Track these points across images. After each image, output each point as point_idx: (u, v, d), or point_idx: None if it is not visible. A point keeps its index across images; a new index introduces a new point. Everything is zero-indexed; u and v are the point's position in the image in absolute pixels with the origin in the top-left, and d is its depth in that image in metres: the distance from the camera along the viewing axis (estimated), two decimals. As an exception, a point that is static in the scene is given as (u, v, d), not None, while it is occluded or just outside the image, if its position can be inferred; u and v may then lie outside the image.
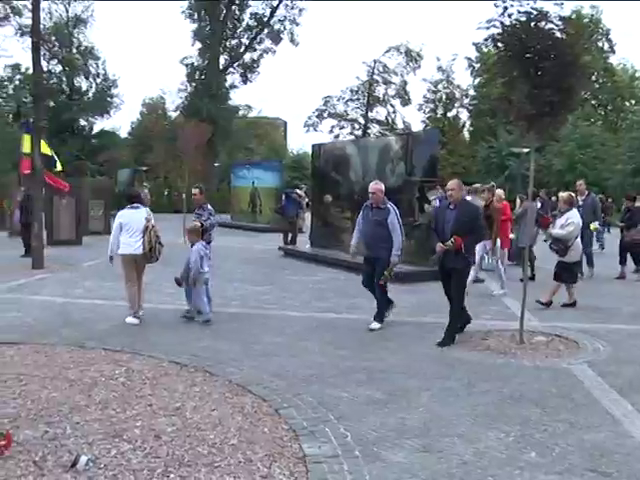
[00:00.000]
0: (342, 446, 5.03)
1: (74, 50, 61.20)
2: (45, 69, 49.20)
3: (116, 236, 9.76)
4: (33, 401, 6.01)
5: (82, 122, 63.07)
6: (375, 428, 5.41)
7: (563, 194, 11.74)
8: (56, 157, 17.65)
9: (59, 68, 60.95)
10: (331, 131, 66.60)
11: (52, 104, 55.83)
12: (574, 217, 10.91)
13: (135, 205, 9.97)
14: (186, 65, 50.91)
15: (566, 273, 10.92)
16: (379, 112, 67.06)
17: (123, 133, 68.90)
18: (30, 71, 52.34)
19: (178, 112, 55.36)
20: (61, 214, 21.93)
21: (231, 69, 51.97)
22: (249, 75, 52.44)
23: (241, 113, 60.66)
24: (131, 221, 9.71)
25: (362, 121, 66.47)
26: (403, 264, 14.18)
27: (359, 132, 64.92)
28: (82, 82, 63.08)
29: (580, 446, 5.09)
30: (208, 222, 10.25)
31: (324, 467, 4.64)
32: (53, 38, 56.43)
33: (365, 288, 9.72)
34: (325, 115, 66.68)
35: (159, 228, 9.80)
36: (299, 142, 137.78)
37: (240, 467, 4.63)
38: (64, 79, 61.90)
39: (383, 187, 9.61)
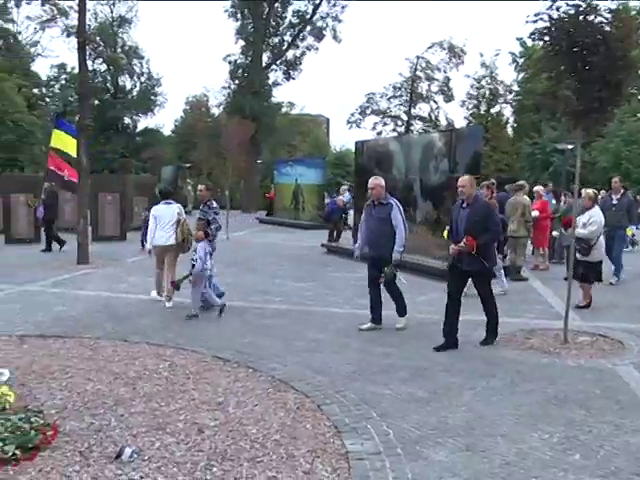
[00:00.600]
0: (384, 443, 5.03)
1: (118, 49, 62.16)
2: (90, 68, 49.98)
3: (152, 229, 10.78)
4: (79, 393, 6.13)
5: (126, 120, 64.09)
6: (417, 426, 5.40)
7: (588, 191, 11.34)
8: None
9: (104, 67, 61.98)
10: (374, 128, 66.24)
11: (97, 102, 56.79)
12: (597, 215, 10.62)
13: (168, 201, 11.01)
14: (229, 63, 51.08)
15: (591, 273, 10.60)
16: (422, 108, 66.54)
17: (167, 131, 69.74)
18: (75, 70, 53.33)
19: (221, 109, 55.70)
20: (106, 210, 22.24)
21: (274, 66, 51.97)
22: (292, 72, 52.39)
23: (284, 110, 60.74)
24: (164, 215, 10.76)
25: (405, 118, 66.08)
26: (444, 261, 14.18)
27: (402, 129, 64.58)
28: (126, 81, 64.12)
29: (626, 449, 5.00)
30: (214, 226, 10.43)
31: (366, 464, 4.64)
32: (98, 38, 57.34)
33: (370, 291, 9.34)
34: (368, 112, 66.35)
35: (189, 222, 10.71)
36: (342, 139, 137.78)
37: (282, 462, 4.66)
38: (109, 78, 62.95)
39: (383, 182, 9.26)
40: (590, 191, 11.24)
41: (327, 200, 27.60)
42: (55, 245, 18.59)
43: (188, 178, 44.12)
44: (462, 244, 7.91)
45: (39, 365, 7.04)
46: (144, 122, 64.42)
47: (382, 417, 5.60)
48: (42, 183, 19.48)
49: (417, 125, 65.70)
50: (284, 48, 51.48)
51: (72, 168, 17.28)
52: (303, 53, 52.51)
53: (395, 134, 59.02)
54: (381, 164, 18.02)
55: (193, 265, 9.76)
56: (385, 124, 66.44)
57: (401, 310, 9.24)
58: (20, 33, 60.04)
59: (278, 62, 51.80)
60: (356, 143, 20.42)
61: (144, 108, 63.57)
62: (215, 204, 10.70)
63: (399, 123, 66.39)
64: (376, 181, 9.19)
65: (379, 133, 63.76)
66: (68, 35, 52.94)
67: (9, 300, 10.98)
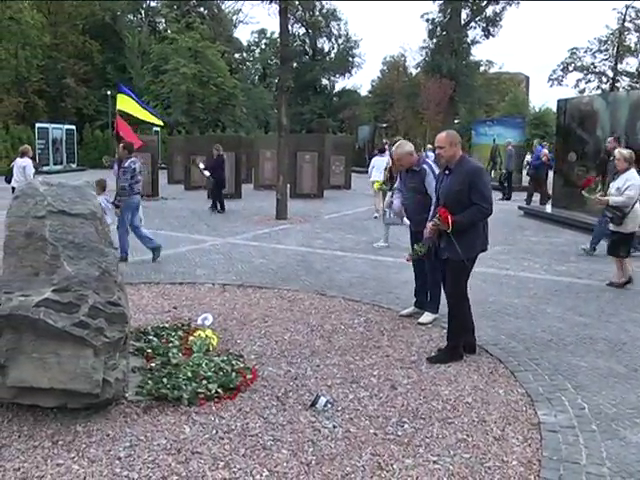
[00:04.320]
0: (578, 418, 4.81)
1: (317, 13, 63.33)
2: (290, 32, 51.53)
3: (370, 170, 17.13)
4: (277, 342, 6.40)
5: (324, 81, 65.70)
6: (614, 403, 5.10)
7: (622, 150, 9.70)
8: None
9: (302, 31, 63.50)
10: (576, 85, 63.01)
11: (296, 65, 58.51)
12: (634, 179, 9.16)
13: (382, 154, 17.00)
14: (427, 21, 50.48)
15: (623, 246, 9.25)
16: (630, 63, 62.27)
17: (363, 91, 70.49)
18: (275, 35, 54.89)
19: (419, 69, 55.30)
20: (304, 169, 22.89)
21: (473, 24, 50.72)
22: (491, 29, 50.88)
23: (482, 69, 59.31)
24: (378, 163, 16.70)
25: (611, 74, 62.15)
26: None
27: (607, 86, 60.80)
28: (325, 43, 65.41)
29: None
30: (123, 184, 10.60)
31: (559, 437, 4.47)
32: (297, 2, 58.69)
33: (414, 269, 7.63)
34: (570, 68, 63.11)
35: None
36: (542, 98, 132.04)
37: (473, 426, 4.61)
38: (307, 41, 64.48)
39: (409, 147, 7.38)
40: (625, 151, 9.60)
41: (528, 157, 27.01)
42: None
43: (384, 138, 44.29)
44: (435, 219, 6.03)
45: (240, 313, 7.43)
46: (341, 83, 66.09)
47: (577, 390, 5.36)
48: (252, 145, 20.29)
49: (624, 82, 61.54)
50: (484, 4, 49.98)
51: (133, 133, 18.27)
52: (503, 8, 50.78)
53: (599, 91, 55.62)
54: (584, 124, 17.19)
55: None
56: (589, 81, 62.94)
57: (433, 303, 7.40)
58: (223, 2, 62.87)
59: (477, 19, 50.38)
60: (558, 101, 19.50)
61: (342, 69, 64.63)
62: (129, 163, 10.70)
63: (604, 80, 62.51)
64: (399, 150, 7.33)
65: (582, 91, 60.53)
66: (270, 2, 54.57)
67: (213, 251, 11.64)
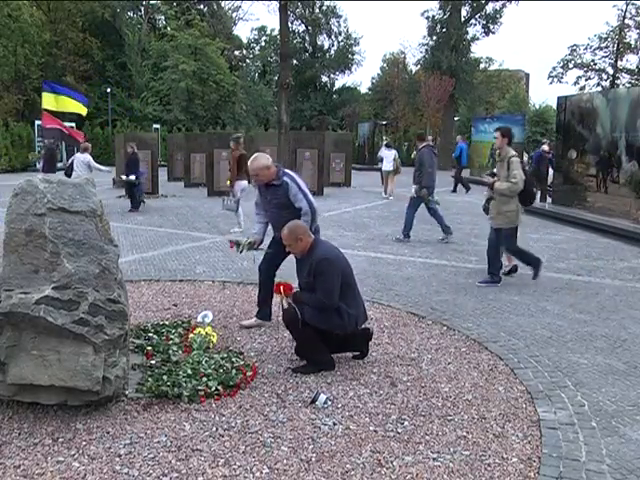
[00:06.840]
0: (578, 415, 4.81)
1: (317, 10, 63.41)
2: (290, 29, 51.61)
3: (385, 163, 22.13)
4: (277, 339, 6.42)
5: (324, 79, 65.73)
6: (614, 400, 5.11)
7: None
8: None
9: (302, 28, 63.59)
10: (576, 82, 62.71)
11: (296, 62, 58.61)
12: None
13: (390, 148, 22.70)
14: (427, 18, 50.27)
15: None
16: (630, 60, 61.98)
17: (363, 88, 70.60)
18: (275, 32, 54.90)
19: (419, 66, 55.24)
20: (304, 166, 22.88)
21: (473, 21, 50.47)
22: (491, 26, 50.54)
23: (482, 66, 59.22)
24: (387, 156, 22.11)
25: (611, 71, 61.97)
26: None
27: (607, 83, 60.63)
28: (324, 40, 65.43)
29: None
30: None
31: (558, 434, 4.47)
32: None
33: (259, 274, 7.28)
34: (570, 65, 62.88)
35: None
36: (542, 95, 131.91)
37: (473, 423, 4.61)
38: (307, 38, 64.54)
39: (266, 160, 6.63)
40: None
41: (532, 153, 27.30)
42: None
43: (384, 135, 44.31)
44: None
45: (240, 310, 7.45)
46: (341, 80, 66.29)
47: (577, 387, 5.37)
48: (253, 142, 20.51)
49: (624, 79, 61.33)
50: (484, 1, 49.79)
51: (71, 128, 18.92)
52: (504, 5, 50.42)
53: (599, 89, 55.55)
54: (584, 121, 17.20)
55: None
56: (589, 78, 62.67)
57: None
58: (223, -1, 62.90)
59: (477, 16, 50.21)
60: (559, 99, 19.50)
61: (342, 66, 64.72)
62: None
63: (604, 77, 62.29)
64: (256, 163, 6.57)
65: (582, 88, 60.32)
66: (270, -1, 54.67)
67: (213, 248, 11.64)
